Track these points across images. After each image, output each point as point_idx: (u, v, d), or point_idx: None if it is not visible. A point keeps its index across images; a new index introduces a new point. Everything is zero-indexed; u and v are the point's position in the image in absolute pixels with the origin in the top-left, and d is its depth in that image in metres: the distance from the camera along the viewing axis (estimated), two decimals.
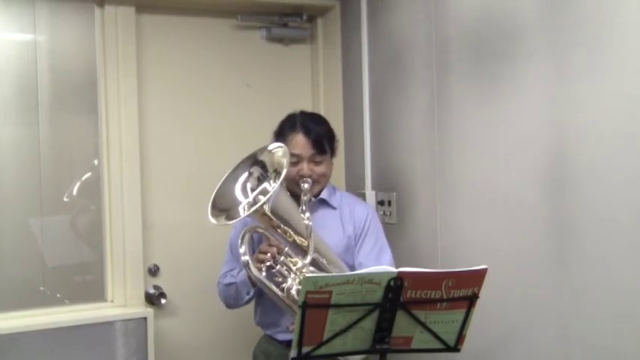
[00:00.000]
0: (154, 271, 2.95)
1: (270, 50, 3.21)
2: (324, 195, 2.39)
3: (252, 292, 2.30)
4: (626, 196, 1.85)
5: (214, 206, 2.12)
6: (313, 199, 2.35)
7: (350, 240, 2.36)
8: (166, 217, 2.97)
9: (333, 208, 2.40)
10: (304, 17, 3.19)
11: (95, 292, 2.86)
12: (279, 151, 2.15)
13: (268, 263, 2.08)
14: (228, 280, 2.37)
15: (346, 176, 3.13)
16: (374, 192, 2.92)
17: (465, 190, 2.43)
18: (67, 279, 2.83)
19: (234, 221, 2.11)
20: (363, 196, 2.91)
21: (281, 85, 3.21)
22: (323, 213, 2.38)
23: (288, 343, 2.28)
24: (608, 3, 1.89)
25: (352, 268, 2.31)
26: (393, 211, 2.81)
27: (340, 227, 2.37)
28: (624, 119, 1.85)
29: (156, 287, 2.94)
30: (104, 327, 2.69)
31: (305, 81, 3.29)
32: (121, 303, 2.85)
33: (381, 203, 2.88)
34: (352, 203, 2.44)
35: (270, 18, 3.16)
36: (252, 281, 2.21)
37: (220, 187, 2.16)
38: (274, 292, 2.08)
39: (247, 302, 2.37)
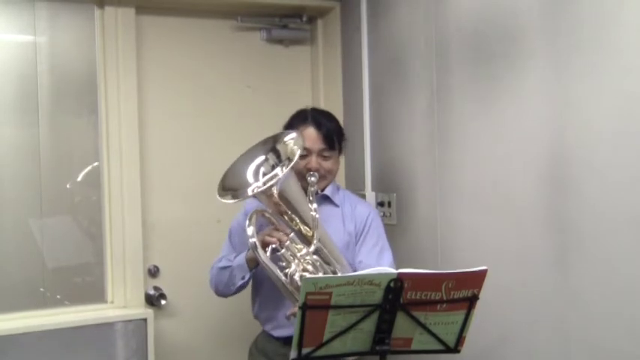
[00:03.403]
0: (153, 272, 2.95)
1: (270, 51, 3.21)
2: (327, 192, 2.40)
3: (247, 277, 2.27)
4: (626, 196, 1.85)
5: (223, 183, 2.14)
6: (319, 191, 2.36)
7: (350, 237, 2.36)
8: (166, 218, 2.97)
9: (336, 205, 2.41)
10: (304, 18, 3.19)
11: (95, 293, 2.86)
12: (292, 141, 2.18)
13: (274, 246, 2.08)
14: (223, 263, 2.34)
15: (346, 177, 3.13)
16: (374, 193, 2.92)
17: (465, 190, 2.42)
18: (67, 280, 2.84)
19: (238, 200, 2.11)
20: (362, 197, 2.91)
21: (281, 86, 3.21)
22: (325, 209, 2.37)
23: (285, 341, 2.28)
24: (608, 3, 1.89)
25: (352, 266, 2.31)
26: (393, 212, 2.81)
27: (341, 224, 2.38)
28: (624, 119, 1.85)
29: (156, 288, 2.94)
30: (104, 328, 2.69)
31: (305, 82, 3.29)
32: (121, 304, 2.85)
33: (381, 204, 2.88)
34: (354, 202, 2.46)
35: (270, 19, 3.16)
36: (251, 265, 2.22)
37: (234, 164, 2.18)
38: (277, 277, 2.07)
39: (237, 290, 2.34)
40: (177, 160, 3.01)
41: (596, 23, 1.92)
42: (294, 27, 3.22)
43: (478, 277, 1.77)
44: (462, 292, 1.76)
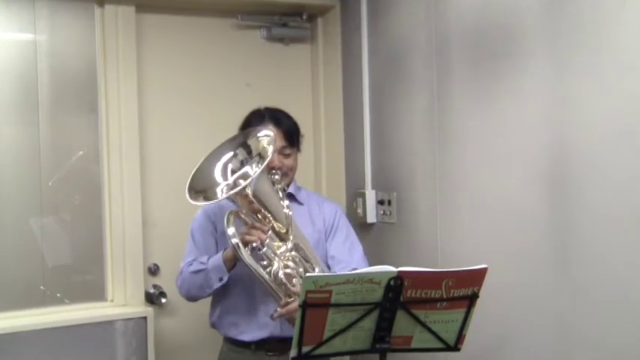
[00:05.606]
0: (153, 271, 2.96)
1: (270, 50, 3.21)
2: (291, 190, 2.38)
3: (225, 279, 2.21)
4: (626, 196, 1.85)
5: (192, 186, 2.10)
6: (285, 188, 2.32)
7: (320, 234, 2.35)
8: (166, 217, 2.97)
9: (300, 203, 2.39)
10: (304, 17, 3.19)
11: (95, 292, 2.86)
12: (265, 138, 2.16)
13: (255, 245, 2.06)
14: (195, 266, 2.28)
15: (346, 176, 3.13)
16: (374, 191, 2.92)
17: (465, 189, 2.43)
18: (67, 278, 2.83)
19: (213, 202, 2.10)
20: (362, 196, 2.92)
21: (281, 84, 3.21)
22: (292, 208, 2.31)
23: (257, 345, 2.25)
24: (609, 3, 1.89)
25: (324, 262, 2.30)
26: (393, 211, 2.81)
27: (310, 222, 2.36)
28: (625, 119, 1.85)
29: (156, 287, 2.94)
30: (104, 326, 2.70)
31: (305, 81, 3.29)
32: (121, 302, 2.85)
33: (381, 203, 2.88)
34: (320, 201, 2.46)
35: (270, 18, 3.16)
36: (229, 266, 2.18)
37: (201, 165, 2.15)
38: (261, 276, 2.05)
39: (211, 293, 2.29)
40: (177, 158, 3.00)
41: (597, 23, 1.92)
42: (294, 25, 3.22)
43: (478, 276, 1.77)
44: (462, 290, 1.77)
